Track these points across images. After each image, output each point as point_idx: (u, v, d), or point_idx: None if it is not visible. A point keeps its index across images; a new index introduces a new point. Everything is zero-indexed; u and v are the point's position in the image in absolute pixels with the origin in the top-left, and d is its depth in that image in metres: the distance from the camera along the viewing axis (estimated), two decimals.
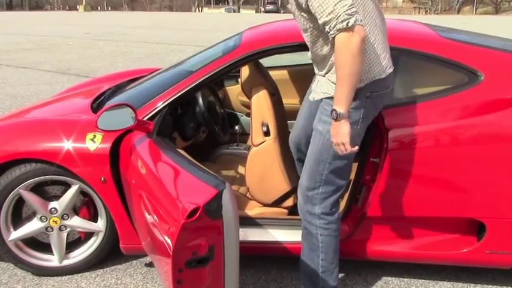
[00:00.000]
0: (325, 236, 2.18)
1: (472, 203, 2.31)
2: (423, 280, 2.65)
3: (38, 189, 2.54)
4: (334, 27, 1.75)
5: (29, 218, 2.60)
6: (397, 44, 2.43)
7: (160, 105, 2.48)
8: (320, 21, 1.80)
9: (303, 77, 3.08)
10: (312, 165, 2.12)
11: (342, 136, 1.89)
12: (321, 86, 2.11)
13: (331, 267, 2.24)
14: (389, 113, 2.30)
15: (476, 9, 68.50)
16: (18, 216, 2.61)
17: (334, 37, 1.78)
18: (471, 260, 2.45)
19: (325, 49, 1.99)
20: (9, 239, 2.57)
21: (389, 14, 57.20)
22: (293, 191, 2.77)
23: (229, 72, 2.64)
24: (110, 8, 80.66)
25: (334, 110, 1.87)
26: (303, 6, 1.86)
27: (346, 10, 1.73)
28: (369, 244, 2.49)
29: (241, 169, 3.33)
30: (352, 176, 2.49)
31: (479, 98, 2.32)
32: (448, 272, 2.69)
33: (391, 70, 2.07)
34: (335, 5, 1.73)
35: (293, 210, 2.78)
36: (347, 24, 1.72)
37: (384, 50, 2.03)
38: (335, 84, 1.89)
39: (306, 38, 2.04)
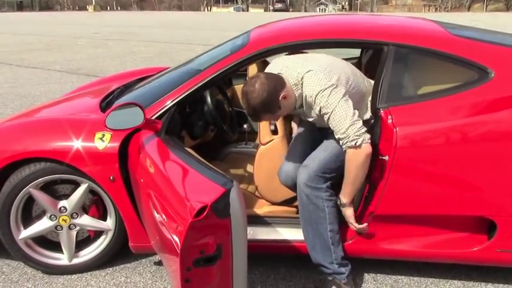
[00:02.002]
0: (330, 208, 2.39)
1: (483, 201, 2.28)
2: (433, 279, 2.63)
3: (48, 188, 2.56)
4: (345, 144, 2.21)
5: (39, 216, 2.62)
6: (407, 42, 2.43)
7: (169, 103, 2.49)
8: (336, 136, 2.25)
9: None
10: (331, 156, 2.39)
11: (347, 217, 2.40)
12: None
13: (337, 237, 2.43)
14: (398, 110, 2.29)
15: (486, 6, 67.99)
16: (28, 215, 2.62)
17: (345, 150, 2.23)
18: (482, 259, 2.43)
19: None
20: (20, 238, 2.58)
21: (398, 12, 56.93)
22: None
23: (238, 71, 2.64)
24: (119, 8, 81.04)
25: (339, 198, 2.38)
26: (322, 117, 2.29)
27: (356, 132, 2.18)
28: (378, 242, 2.47)
29: (249, 168, 3.33)
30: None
31: (489, 95, 2.30)
32: (458, 270, 2.67)
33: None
34: (347, 127, 2.18)
35: None
36: (355, 144, 2.18)
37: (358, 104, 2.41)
38: None
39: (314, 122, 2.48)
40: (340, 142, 2.25)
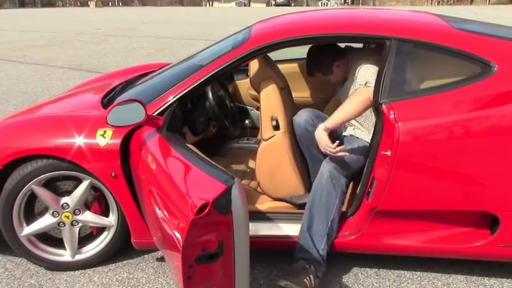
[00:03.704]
0: (340, 200, 2.52)
1: (485, 196, 2.28)
2: (436, 273, 2.63)
3: (50, 185, 2.56)
4: (358, 84, 2.52)
5: (41, 213, 2.62)
6: (409, 36, 2.41)
7: (171, 99, 2.48)
8: (357, 82, 2.56)
9: None
10: (353, 158, 2.57)
11: (324, 141, 2.46)
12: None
13: (334, 233, 2.49)
14: (400, 105, 2.28)
15: None
16: (31, 211, 2.63)
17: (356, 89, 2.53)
18: (484, 254, 2.42)
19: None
20: (22, 234, 2.59)
21: (401, 6, 56.70)
22: (304, 185, 2.76)
23: (239, 66, 2.63)
24: (121, 4, 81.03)
25: (322, 123, 2.49)
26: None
27: (367, 78, 2.49)
28: (380, 238, 2.47)
29: (251, 163, 3.32)
30: (363, 170, 2.47)
31: (492, 89, 2.28)
32: (461, 265, 2.66)
33: None
34: (368, 75, 2.51)
35: (304, 204, 2.77)
36: (365, 83, 2.48)
37: None
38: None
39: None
40: (356, 84, 2.54)
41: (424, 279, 2.58)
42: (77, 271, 2.69)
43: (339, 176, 2.52)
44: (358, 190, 2.53)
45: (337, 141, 2.42)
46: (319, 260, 2.41)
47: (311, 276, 2.34)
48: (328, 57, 2.76)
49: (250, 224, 2.21)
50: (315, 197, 2.50)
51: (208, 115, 3.02)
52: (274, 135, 2.69)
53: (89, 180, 2.51)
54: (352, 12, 3.36)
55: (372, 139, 2.47)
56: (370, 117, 2.64)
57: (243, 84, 3.81)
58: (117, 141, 2.40)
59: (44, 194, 2.53)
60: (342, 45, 2.86)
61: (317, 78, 2.88)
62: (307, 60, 2.85)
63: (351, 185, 2.80)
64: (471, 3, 67.09)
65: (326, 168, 2.54)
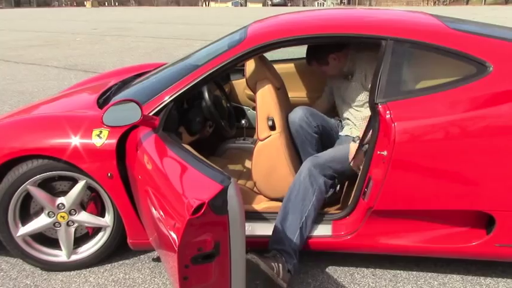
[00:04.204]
0: (318, 198, 2.54)
1: (481, 196, 2.28)
2: (432, 273, 2.63)
3: (46, 185, 2.55)
4: None
5: (37, 213, 2.61)
6: (405, 36, 2.41)
7: (167, 99, 2.48)
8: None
9: (308, 70, 3.07)
10: (338, 157, 2.62)
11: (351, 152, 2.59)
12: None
13: (307, 229, 2.51)
14: (397, 105, 2.28)
15: None
16: (26, 212, 2.62)
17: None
18: (480, 253, 2.43)
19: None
20: (18, 235, 2.58)
21: (397, 6, 56.83)
22: None
23: (235, 66, 2.63)
24: (117, 4, 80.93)
25: (357, 135, 2.57)
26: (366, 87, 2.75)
27: None
28: (376, 238, 2.47)
29: (248, 163, 3.32)
30: (360, 170, 2.48)
31: (488, 90, 2.29)
32: (457, 264, 2.67)
33: None
34: None
35: None
36: None
37: None
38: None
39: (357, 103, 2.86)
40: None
41: (420, 279, 2.58)
42: (73, 271, 2.69)
43: (317, 175, 2.56)
44: (354, 190, 2.53)
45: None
46: (291, 252, 2.42)
47: (279, 264, 2.34)
48: (326, 47, 2.80)
49: (247, 224, 2.22)
50: (291, 193, 2.54)
51: (205, 115, 3.02)
52: (270, 135, 2.68)
53: (84, 181, 2.51)
54: (348, 12, 3.36)
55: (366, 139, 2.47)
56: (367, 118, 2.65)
57: (240, 84, 3.81)
58: (113, 141, 2.40)
59: (39, 194, 2.52)
60: None
61: (313, 67, 2.93)
62: (307, 48, 2.89)
63: (345, 184, 2.81)
64: (467, 4, 67.30)
65: (306, 166, 2.59)
